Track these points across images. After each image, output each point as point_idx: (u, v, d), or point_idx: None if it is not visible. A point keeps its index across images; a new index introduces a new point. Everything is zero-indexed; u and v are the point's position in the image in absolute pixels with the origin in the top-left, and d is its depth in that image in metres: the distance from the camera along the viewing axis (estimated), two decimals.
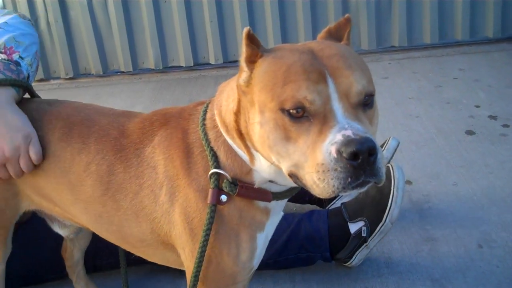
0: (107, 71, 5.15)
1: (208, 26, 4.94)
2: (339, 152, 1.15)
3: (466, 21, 4.86)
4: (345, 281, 2.26)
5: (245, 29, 1.29)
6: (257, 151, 1.36)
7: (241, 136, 1.39)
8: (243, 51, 1.31)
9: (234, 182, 1.42)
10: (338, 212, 2.31)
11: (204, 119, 1.49)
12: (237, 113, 1.38)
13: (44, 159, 1.63)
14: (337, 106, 1.21)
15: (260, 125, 1.27)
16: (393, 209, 2.22)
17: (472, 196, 2.74)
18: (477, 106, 3.72)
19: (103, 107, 1.76)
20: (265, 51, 1.33)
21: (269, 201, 1.48)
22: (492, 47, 4.86)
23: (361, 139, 1.15)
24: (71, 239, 2.09)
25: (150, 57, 5.05)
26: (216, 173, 1.42)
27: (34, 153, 1.60)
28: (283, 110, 1.22)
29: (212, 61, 5.01)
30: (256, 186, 1.45)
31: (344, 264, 2.30)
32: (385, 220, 2.22)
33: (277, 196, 1.48)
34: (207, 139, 1.46)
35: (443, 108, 3.75)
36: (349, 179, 1.16)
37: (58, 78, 5.18)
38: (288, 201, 2.35)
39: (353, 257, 2.27)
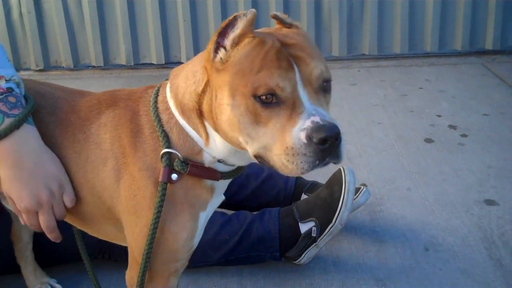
0: (78, 65, 5.15)
1: (181, 25, 4.97)
2: (309, 137, 1.23)
3: (436, 33, 4.96)
4: (292, 277, 2.29)
5: (254, 11, 1.33)
6: (218, 131, 1.40)
7: (200, 116, 1.43)
8: (238, 27, 1.32)
9: (185, 161, 1.47)
10: (289, 212, 2.34)
11: (155, 102, 1.52)
12: (202, 93, 1.41)
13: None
14: (303, 93, 1.28)
15: (231, 107, 1.31)
16: (343, 211, 2.25)
17: (424, 201, 2.78)
18: (439, 116, 3.79)
19: (66, 86, 1.78)
20: (255, 32, 1.36)
21: (218, 179, 1.52)
22: (460, 59, 4.95)
23: (329, 125, 1.24)
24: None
25: (122, 53, 5.06)
26: (168, 152, 1.46)
27: (69, 199, 1.57)
28: (255, 96, 1.27)
29: (183, 60, 5.03)
30: (206, 165, 1.49)
31: (293, 262, 2.33)
32: (335, 222, 2.25)
33: (224, 175, 1.54)
34: (159, 121, 1.49)
35: (406, 116, 3.81)
36: (317, 162, 1.25)
37: (29, 69, 5.16)
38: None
39: (302, 256, 2.29)
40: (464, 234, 2.51)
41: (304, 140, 1.23)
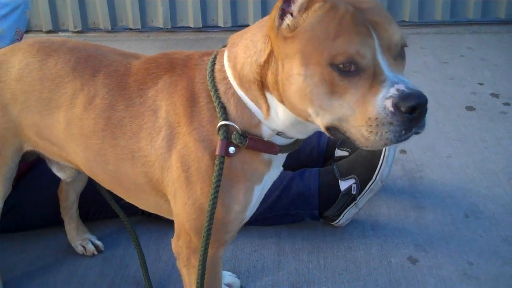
0: (116, 27, 5.15)
1: None
2: (396, 106, 1.16)
3: (479, 1, 4.82)
4: (330, 240, 2.29)
5: None
6: (283, 102, 1.35)
7: (262, 88, 1.38)
8: None
9: (244, 134, 1.43)
10: (330, 170, 2.34)
11: (212, 71, 1.47)
12: (265, 64, 1.36)
13: (54, 90, 1.64)
14: (382, 60, 1.21)
15: (304, 77, 1.24)
16: (383, 168, 2.24)
17: (464, 169, 2.75)
18: (481, 84, 3.71)
19: (115, 48, 1.76)
20: None
21: (276, 153, 1.48)
22: (502, 28, 4.82)
23: (418, 93, 1.16)
24: (68, 182, 2.12)
25: (159, 16, 5.04)
26: (225, 125, 1.42)
27: None
28: (332, 64, 1.20)
29: (221, 24, 4.99)
30: (264, 139, 1.45)
31: (331, 223, 2.33)
32: (375, 178, 2.24)
33: (283, 148, 1.50)
34: (216, 91, 1.44)
35: (446, 84, 3.74)
36: (403, 132, 1.18)
37: (67, 30, 5.17)
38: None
39: (341, 216, 2.29)
40: (506, 202, 2.48)
41: (391, 109, 1.16)
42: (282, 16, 1.29)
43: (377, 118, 1.18)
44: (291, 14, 1.28)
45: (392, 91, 1.17)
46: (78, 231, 2.27)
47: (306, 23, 1.25)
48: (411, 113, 1.16)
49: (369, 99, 1.19)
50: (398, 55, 1.25)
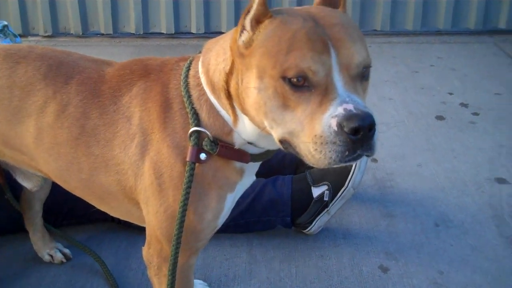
0: (87, 32, 5.09)
1: None
2: (340, 125, 1.15)
3: (449, 11, 4.90)
4: (302, 248, 2.29)
5: None
6: (245, 114, 1.35)
7: (229, 97, 1.37)
8: (252, 8, 1.27)
9: (215, 141, 1.42)
10: (303, 177, 2.35)
11: (187, 76, 1.46)
12: (229, 74, 1.35)
13: (24, 98, 1.60)
14: (338, 78, 1.20)
15: (258, 90, 1.25)
16: (356, 174, 2.26)
17: (434, 178, 2.78)
18: (450, 94, 3.76)
19: (85, 54, 1.73)
20: (274, 12, 1.29)
21: (247, 162, 1.48)
22: (472, 38, 4.90)
23: (363, 114, 1.15)
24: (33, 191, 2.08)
25: (131, 21, 5.00)
26: (197, 131, 1.40)
27: None
28: (284, 78, 1.20)
29: (193, 31, 4.97)
30: (236, 147, 1.44)
31: (303, 231, 2.33)
32: (348, 185, 2.26)
33: (254, 157, 1.49)
34: (189, 97, 1.43)
35: (417, 93, 3.78)
36: (347, 153, 1.17)
37: (37, 35, 5.09)
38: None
39: (313, 223, 2.30)
40: (474, 211, 2.51)
41: (335, 128, 1.15)
42: (242, 32, 1.30)
43: (322, 136, 1.17)
44: (247, 31, 1.29)
45: (339, 110, 1.16)
46: (44, 240, 2.23)
47: (259, 39, 1.26)
48: (354, 134, 1.15)
49: (317, 116, 1.19)
50: (358, 75, 1.24)
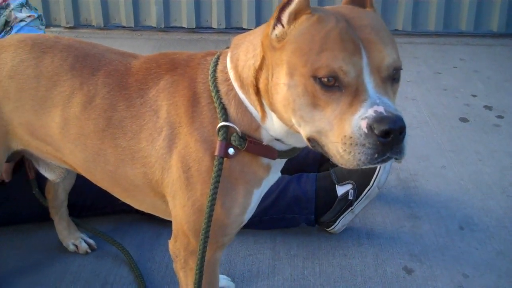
0: (108, 24, 5.11)
1: None
2: (370, 127, 1.14)
3: (472, 13, 4.86)
4: (325, 247, 2.28)
5: None
6: (273, 110, 1.35)
7: (258, 93, 1.37)
8: (294, 2, 1.26)
9: (243, 137, 1.42)
10: (327, 175, 2.33)
11: (215, 71, 1.46)
12: (259, 70, 1.35)
13: (51, 89, 1.60)
14: (369, 80, 1.19)
15: (287, 87, 1.25)
16: (381, 174, 2.24)
17: (459, 180, 2.75)
18: (474, 96, 3.73)
19: (111, 47, 1.73)
20: (313, 9, 1.28)
21: (274, 158, 1.48)
22: (495, 41, 4.86)
23: (394, 117, 1.14)
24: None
25: (152, 15, 5.01)
26: (225, 126, 1.40)
27: None
28: (315, 77, 1.20)
29: (214, 26, 4.98)
30: (263, 143, 1.44)
31: (327, 229, 2.32)
32: (372, 184, 2.24)
33: (281, 154, 1.49)
34: (217, 92, 1.43)
35: (440, 94, 3.76)
36: (376, 155, 1.16)
37: (59, 26, 5.12)
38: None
39: (337, 222, 2.29)
40: (499, 215, 2.49)
41: (365, 130, 1.14)
42: (275, 25, 1.29)
43: (351, 137, 1.17)
44: (282, 25, 1.28)
45: (370, 112, 1.16)
46: (69, 230, 2.24)
47: (292, 34, 1.26)
48: (385, 137, 1.14)
49: (347, 117, 1.18)
50: (389, 77, 1.23)
